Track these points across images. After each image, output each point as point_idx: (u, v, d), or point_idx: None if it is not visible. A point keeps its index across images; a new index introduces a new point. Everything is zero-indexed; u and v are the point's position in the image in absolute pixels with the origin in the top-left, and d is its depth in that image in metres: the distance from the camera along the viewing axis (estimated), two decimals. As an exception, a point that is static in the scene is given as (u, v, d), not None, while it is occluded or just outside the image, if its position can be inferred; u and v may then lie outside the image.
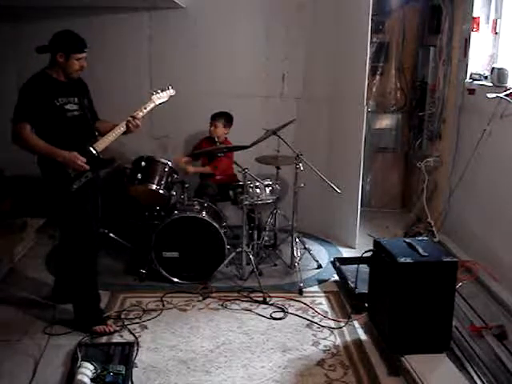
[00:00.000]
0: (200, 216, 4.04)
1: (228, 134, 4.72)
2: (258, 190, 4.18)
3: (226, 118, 4.66)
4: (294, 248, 4.25)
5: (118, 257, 4.49)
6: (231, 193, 4.28)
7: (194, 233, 4.04)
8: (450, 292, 3.02)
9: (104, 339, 3.30)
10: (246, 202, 4.08)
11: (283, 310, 3.71)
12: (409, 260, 2.95)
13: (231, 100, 4.88)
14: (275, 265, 4.44)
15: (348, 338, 3.39)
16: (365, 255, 3.42)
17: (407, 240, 3.24)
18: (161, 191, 4.05)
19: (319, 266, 4.43)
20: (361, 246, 4.59)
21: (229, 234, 4.46)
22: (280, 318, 3.62)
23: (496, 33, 4.29)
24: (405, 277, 2.96)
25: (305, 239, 4.69)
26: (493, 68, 4.07)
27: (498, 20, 4.25)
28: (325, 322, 3.57)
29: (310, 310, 3.72)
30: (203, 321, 3.57)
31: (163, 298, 3.83)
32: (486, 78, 4.26)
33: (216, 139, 4.56)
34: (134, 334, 3.36)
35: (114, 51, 4.94)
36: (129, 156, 4.44)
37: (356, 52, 4.54)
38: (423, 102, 5.29)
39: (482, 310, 3.50)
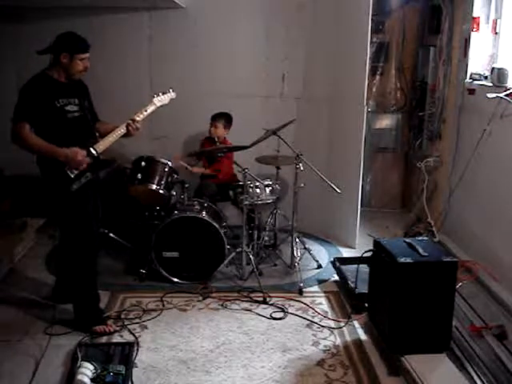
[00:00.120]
0: (200, 216, 4.04)
1: (228, 134, 4.72)
2: (258, 190, 4.18)
3: (226, 119, 4.66)
4: (294, 248, 4.25)
5: (118, 257, 4.49)
6: (231, 193, 4.29)
7: (194, 233, 4.04)
8: (450, 292, 3.02)
9: (104, 339, 3.30)
10: (246, 202, 4.08)
11: (283, 310, 3.71)
12: (409, 260, 2.95)
13: (231, 100, 4.88)
14: (275, 265, 4.44)
15: (348, 338, 3.39)
16: (365, 255, 3.42)
17: (407, 240, 3.24)
18: (161, 191, 4.05)
19: (319, 266, 4.43)
20: (361, 246, 4.59)
21: (229, 234, 4.46)
22: (280, 318, 3.62)
23: (496, 33, 4.29)
24: (405, 277, 2.96)
25: (305, 239, 4.69)
26: (493, 68, 4.07)
27: (498, 20, 4.25)
28: (325, 322, 3.57)
29: (310, 309, 3.73)
30: (203, 321, 3.57)
31: (163, 298, 3.83)
32: (486, 77, 4.26)
33: (216, 139, 4.57)
34: (133, 334, 3.36)
35: (114, 51, 4.94)
36: (129, 156, 4.43)
37: (356, 52, 4.54)
38: (423, 102, 5.30)
39: (482, 310, 3.50)
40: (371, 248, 3.35)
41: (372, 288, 3.42)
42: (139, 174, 4.00)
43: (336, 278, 4.22)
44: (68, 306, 3.44)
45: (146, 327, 3.47)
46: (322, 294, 3.99)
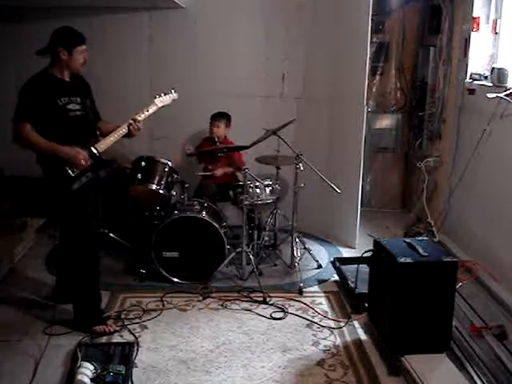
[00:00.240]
0: (200, 216, 4.04)
1: (228, 134, 4.72)
2: (258, 190, 4.18)
3: (227, 118, 4.67)
4: (294, 248, 4.25)
5: (118, 257, 4.49)
6: (231, 193, 4.28)
7: (194, 233, 4.04)
8: (450, 292, 3.02)
9: (104, 339, 3.30)
10: (246, 202, 4.07)
11: (283, 310, 3.71)
12: (409, 260, 2.95)
13: (231, 100, 4.88)
14: (275, 265, 4.44)
15: (348, 338, 3.39)
16: (365, 255, 3.42)
17: (407, 240, 3.24)
18: (161, 191, 4.05)
19: (319, 266, 4.43)
20: (361, 246, 4.59)
21: (229, 234, 4.46)
22: (280, 318, 3.62)
23: (496, 33, 4.29)
24: (405, 277, 2.96)
25: (305, 239, 4.69)
26: (493, 68, 4.07)
27: (498, 20, 4.25)
28: (325, 322, 3.57)
29: (310, 309, 3.73)
30: (203, 321, 3.57)
31: (163, 298, 3.83)
32: (486, 77, 4.26)
33: (216, 139, 4.57)
34: (134, 334, 3.36)
35: (114, 51, 4.94)
36: (129, 156, 4.43)
37: (356, 52, 4.54)
38: (423, 102, 5.30)
39: (482, 310, 3.50)
40: (371, 248, 3.35)
41: (372, 288, 3.41)
42: (139, 174, 4.00)
43: (336, 277, 4.22)
44: (68, 306, 3.44)
45: (146, 327, 3.47)
46: (322, 294, 3.99)
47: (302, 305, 3.79)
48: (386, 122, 5.73)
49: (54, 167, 3.12)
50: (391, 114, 5.71)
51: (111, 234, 4.55)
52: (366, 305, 3.53)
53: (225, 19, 4.98)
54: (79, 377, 2.76)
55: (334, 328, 3.50)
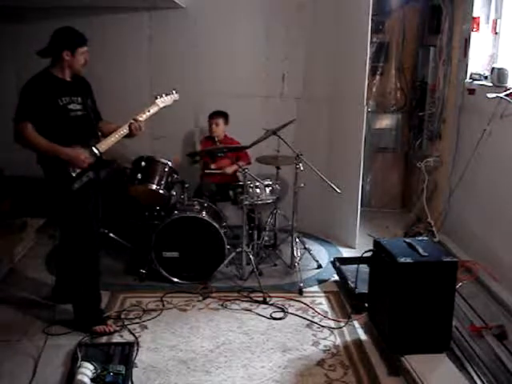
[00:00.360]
0: (200, 216, 4.04)
1: (228, 134, 4.72)
2: (258, 190, 4.18)
3: (225, 116, 4.68)
4: (294, 248, 4.25)
5: (118, 257, 4.49)
6: (231, 193, 4.28)
7: (194, 233, 4.04)
8: (450, 292, 3.02)
9: (104, 339, 3.30)
10: (246, 202, 4.07)
11: (283, 310, 3.71)
12: (409, 260, 2.95)
13: (231, 100, 4.88)
14: (275, 265, 4.44)
15: (348, 338, 3.39)
16: (365, 255, 3.42)
17: (407, 240, 3.24)
18: (161, 191, 4.05)
19: (319, 266, 4.43)
20: (361, 246, 4.59)
21: (229, 234, 4.46)
22: (280, 318, 3.62)
23: (496, 33, 4.29)
24: (405, 277, 2.96)
25: (305, 239, 4.69)
26: (493, 68, 4.07)
27: (498, 20, 4.25)
28: (325, 322, 3.57)
29: (310, 309, 3.72)
30: (203, 321, 3.57)
31: (163, 298, 3.83)
32: (486, 77, 4.26)
33: (216, 138, 4.57)
34: (133, 334, 3.36)
35: (114, 51, 4.94)
36: (129, 156, 4.43)
37: (356, 52, 4.54)
38: (423, 102, 5.30)
39: (482, 310, 3.50)
40: (371, 248, 3.35)
41: (372, 288, 3.41)
42: (139, 174, 4.00)
43: (336, 277, 4.22)
44: (68, 306, 3.44)
45: (146, 327, 3.47)
46: (322, 294, 3.99)
47: (302, 305, 3.79)
48: (386, 122, 5.73)
49: (55, 167, 3.12)
50: (391, 113, 5.71)
51: (111, 234, 4.55)
52: (366, 305, 3.53)
53: (225, 19, 4.98)
54: (79, 377, 2.76)
55: (333, 328, 3.50)
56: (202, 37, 4.99)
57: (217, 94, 4.89)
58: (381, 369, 3.05)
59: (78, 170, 3.15)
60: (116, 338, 3.32)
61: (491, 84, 4.06)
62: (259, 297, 3.86)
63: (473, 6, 4.32)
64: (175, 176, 4.19)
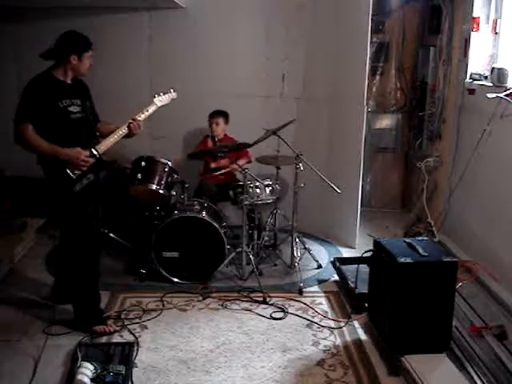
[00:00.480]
0: (200, 216, 4.04)
1: (228, 134, 4.73)
2: (258, 190, 4.18)
3: (225, 115, 4.68)
4: (294, 248, 4.25)
5: (118, 257, 4.49)
6: (231, 193, 4.28)
7: (194, 233, 4.04)
8: (450, 292, 3.02)
9: (104, 339, 3.30)
10: (246, 202, 4.07)
11: (283, 310, 3.71)
12: (409, 260, 2.95)
13: (231, 100, 4.88)
14: (275, 265, 4.44)
15: (348, 338, 3.38)
16: (365, 255, 3.42)
17: (407, 240, 3.24)
18: (161, 191, 4.05)
19: (319, 266, 4.43)
20: (361, 246, 4.59)
21: (229, 234, 4.46)
22: (280, 318, 3.62)
23: (496, 33, 4.29)
24: (405, 277, 2.96)
25: (305, 239, 4.69)
26: (493, 68, 4.07)
27: (498, 20, 4.25)
28: (325, 322, 3.57)
29: (310, 309, 3.72)
30: (203, 321, 3.57)
31: (163, 298, 3.83)
32: (486, 77, 4.26)
33: (216, 138, 4.57)
34: (133, 334, 3.36)
35: (114, 51, 4.94)
36: (129, 156, 4.44)
37: (356, 52, 4.54)
38: (423, 102, 5.30)
39: (482, 310, 3.50)
40: (371, 248, 3.35)
41: (372, 288, 3.41)
42: (139, 174, 4.00)
43: (336, 278, 4.22)
44: (68, 306, 3.44)
45: (146, 327, 3.47)
46: (322, 294, 3.99)
47: (302, 305, 3.79)
48: (386, 122, 5.73)
49: (55, 168, 3.12)
50: (391, 113, 5.71)
51: (111, 234, 4.55)
52: (366, 305, 3.53)
53: (225, 19, 4.98)
54: (79, 377, 2.76)
55: (334, 328, 3.50)
56: (202, 37, 4.99)
57: (217, 93, 4.89)
58: (381, 369, 3.05)
59: (79, 172, 3.14)
60: (116, 338, 3.32)
61: (491, 84, 4.06)
62: (259, 297, 3.86)
63: (473, 6, 4.32)
64: (175, 176, 4.19)
